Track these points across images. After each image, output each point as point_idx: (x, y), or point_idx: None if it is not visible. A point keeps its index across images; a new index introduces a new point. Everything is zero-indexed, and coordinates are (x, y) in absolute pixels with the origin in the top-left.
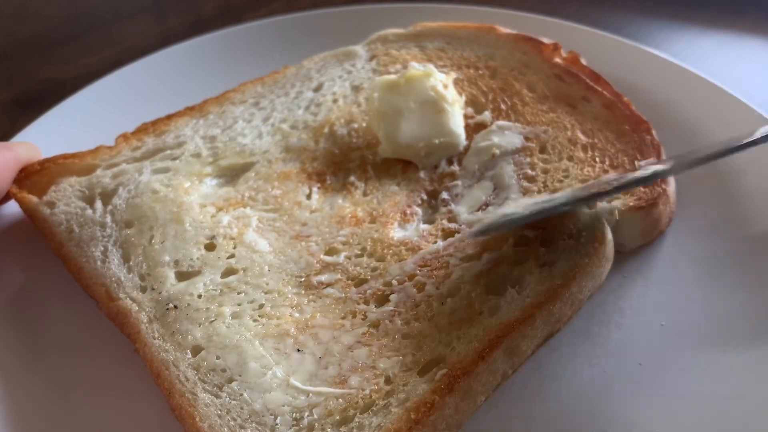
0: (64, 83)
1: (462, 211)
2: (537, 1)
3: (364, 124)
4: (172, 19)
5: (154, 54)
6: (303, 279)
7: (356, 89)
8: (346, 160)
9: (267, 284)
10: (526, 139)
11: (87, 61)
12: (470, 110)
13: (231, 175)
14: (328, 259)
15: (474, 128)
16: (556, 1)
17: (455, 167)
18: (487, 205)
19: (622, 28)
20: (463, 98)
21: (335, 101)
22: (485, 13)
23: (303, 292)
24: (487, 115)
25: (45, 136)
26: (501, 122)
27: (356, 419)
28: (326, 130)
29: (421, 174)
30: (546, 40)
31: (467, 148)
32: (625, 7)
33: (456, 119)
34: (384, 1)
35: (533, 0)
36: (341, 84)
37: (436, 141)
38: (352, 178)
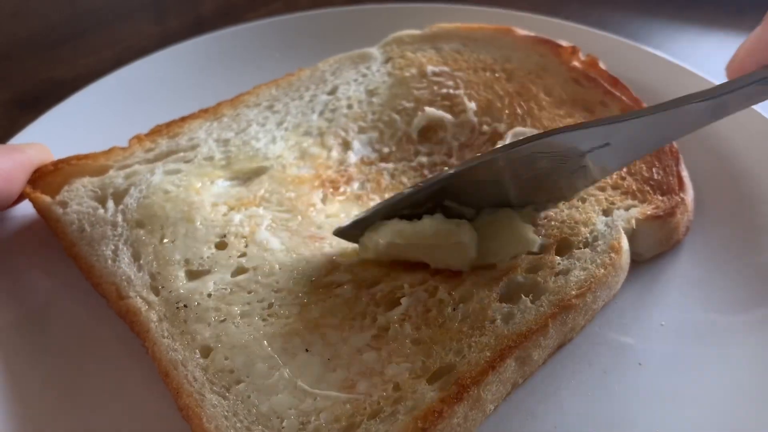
0: (64, 83)
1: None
2: (537, 1)
3: (379, 134)
4: (172, 19)
5: (154, 54)
6: (314, 278)
7: (371, 93)
8: (360, 171)
9: (277, 283)
10: None
11: (87, 61)
12: (487, 119)
13: (244, 178)
14: (340, 260)
15: (490, 137)
16: (556, 0)
17: None
18: None
19: (622, 28)
20: None
21: (350, 106)
22: (501, 14)
23: (313, 291)
24: (502, 127)
25: (45, 136)
26: (517, 129)
27: (363, 425)
28: (340, 138)
29: None
30: (564, 43)
31: None
32: (625, 7)
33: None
34: (384, 1)
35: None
36: (356, 88)
37: None
38: (367, 187)
